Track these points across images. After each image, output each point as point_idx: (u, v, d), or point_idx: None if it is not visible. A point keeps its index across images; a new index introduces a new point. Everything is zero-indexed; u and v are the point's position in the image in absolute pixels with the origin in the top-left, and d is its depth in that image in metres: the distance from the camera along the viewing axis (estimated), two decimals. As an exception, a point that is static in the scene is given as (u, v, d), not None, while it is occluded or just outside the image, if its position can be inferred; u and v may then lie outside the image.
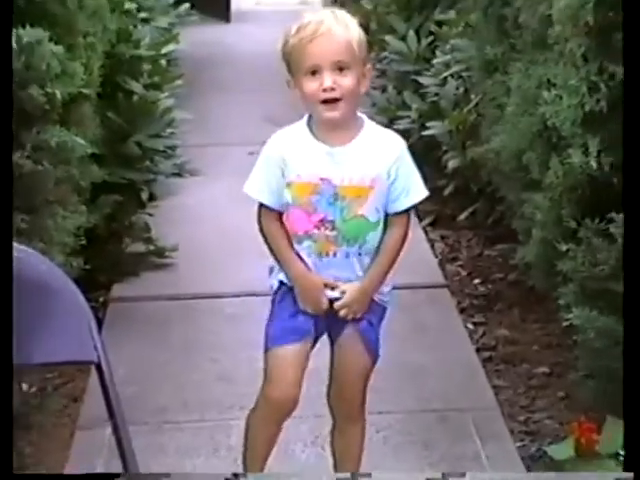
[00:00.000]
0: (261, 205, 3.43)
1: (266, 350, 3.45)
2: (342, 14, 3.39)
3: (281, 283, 3.47)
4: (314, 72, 3.30)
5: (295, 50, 3.33)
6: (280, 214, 3.41)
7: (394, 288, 5.27)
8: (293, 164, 3.36)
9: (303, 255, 3.42)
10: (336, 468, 3.63)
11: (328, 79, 3.28)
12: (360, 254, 3.44)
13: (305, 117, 3.44)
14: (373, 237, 3.43)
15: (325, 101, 3.30)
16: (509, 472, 3.87)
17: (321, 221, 3.37)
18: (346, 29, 3.33)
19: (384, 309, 3.69)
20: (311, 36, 3.30)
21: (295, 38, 3.32)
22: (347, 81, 3.29)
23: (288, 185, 3.37)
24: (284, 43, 3.37)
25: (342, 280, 3.44)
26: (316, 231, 3.38)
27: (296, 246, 3.42)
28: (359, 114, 3.42)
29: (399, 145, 3.48)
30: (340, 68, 3.29)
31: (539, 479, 3.63)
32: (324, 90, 3.28)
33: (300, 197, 3.36)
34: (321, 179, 3.35)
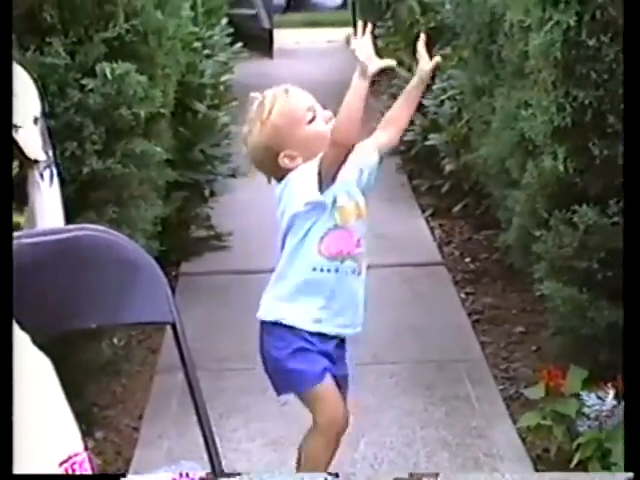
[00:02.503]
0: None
1: (304, 391, 2.97)
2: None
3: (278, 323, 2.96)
4: (311, 120, 2.89)
5: (285, 113, 2.89)
6: None
7: (402, 265, 5.32)
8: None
9: (343, 275, 2.90)
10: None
11: (325, 112, 2.92)
12: None
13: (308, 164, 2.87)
14: None
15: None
16: (495, 418, 3.86)
17: (359, 240, 2.95)
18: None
19: None
20: (286, 94, 2.94)
21: (279, 104, 2.90)
22: (331, 114, 2.92)
23: (339, 208, 2.88)
24: (266, 118, 2.88)
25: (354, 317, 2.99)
26: (357, 250, 2.93)
27: (337, 265, 2.89)
28: None
29: None
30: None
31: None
32: (330, 119, 2.88)
33: (347, 219, 2.90)
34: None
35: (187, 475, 1.89)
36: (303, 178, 2.86)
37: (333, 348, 3.00)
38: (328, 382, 2.95)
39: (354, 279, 2.94)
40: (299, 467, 2.99)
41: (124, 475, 1.41)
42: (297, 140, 2.85)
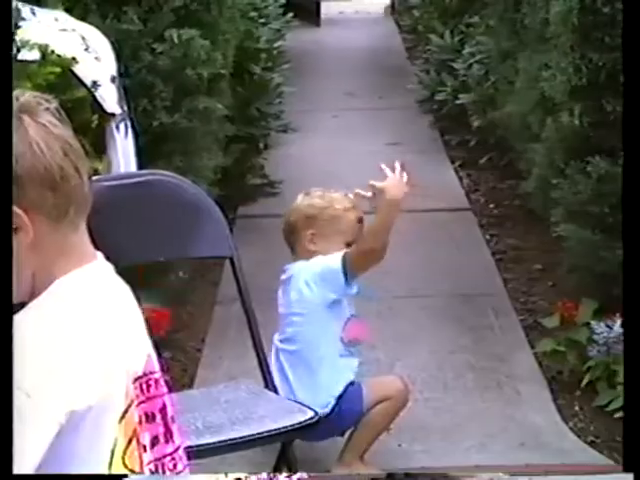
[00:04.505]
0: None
1: (362, 410, 2.92)
2: None
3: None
4: (349, 245, 2.92)
5: (342, 219, 2.95)
6: None
7: (434, 210, 5.30)
8: None
9: (355, 360, 2.97)
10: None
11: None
12: None
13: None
14: None
15: None
16: (515, 345, 3.84)
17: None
18: None
19: None
20: (357, 220, 2.95)
21: (350, 214, 2.94)
22: None
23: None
24: (328, 206, 2.95)
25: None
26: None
27: (350, 349, 2.95)
28: None
29: None
30: None
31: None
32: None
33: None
34: None
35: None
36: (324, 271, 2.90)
37: None
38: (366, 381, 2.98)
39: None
40: (359, 425, 2.95)
41: (126, 475, 1.39)
42: (324, 236, 2.95)
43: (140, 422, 1.43)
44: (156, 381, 1.47)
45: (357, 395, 2.94)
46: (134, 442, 1.41)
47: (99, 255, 1.48)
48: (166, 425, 1.49)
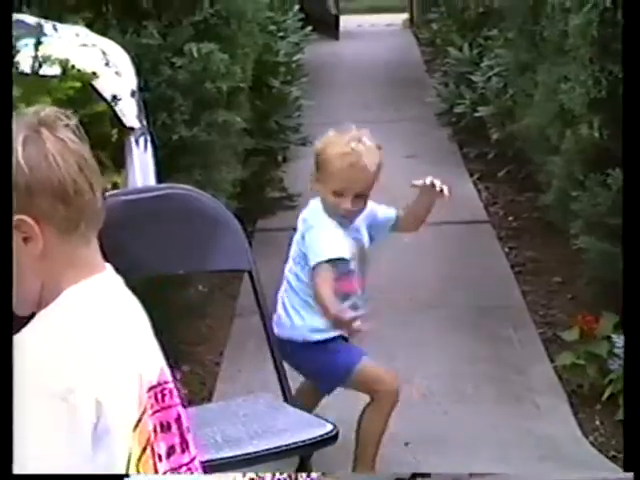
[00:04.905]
0: (325, 263, 2.81)
1: (351, 372, 2.88)
2: (372, 146, 2.88)
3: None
4: (338, 194, 2.82)
5: (329, 164, 2.81)
6: None
7: (452, 223, 5.29)
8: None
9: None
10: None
11: (349, 204, 2.82)
12: None
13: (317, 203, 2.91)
14: None
15: (343, 215, 2.86)
16: (534, 358, 3.82)
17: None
18: (374, 164, 2.84)
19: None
20: (349, 167, 2.79)
21: (339, 160, 2.80)
22: (362, 204, 2.85)
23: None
24: (323, 149, 2.85)
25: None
26: (359, 292, 2.95)
27: (344, 303, 2.86)
28: None
29: None
30: (359, 196, 2.83)
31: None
32: (344, 209, 2.83)
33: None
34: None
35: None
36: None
37: None
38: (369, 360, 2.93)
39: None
40: (358, 436, 2.92)
41: (128, 475, 1.39)
42: (320, 182, 2.87)
43: (155, 431, 1.43)
44: (170, 391, 1.48)
45: (355, 354, 2.90)
46: (148, 450, 1.41)
47: (108, 267, 1.49)
48: (182, 435, 1.49)
